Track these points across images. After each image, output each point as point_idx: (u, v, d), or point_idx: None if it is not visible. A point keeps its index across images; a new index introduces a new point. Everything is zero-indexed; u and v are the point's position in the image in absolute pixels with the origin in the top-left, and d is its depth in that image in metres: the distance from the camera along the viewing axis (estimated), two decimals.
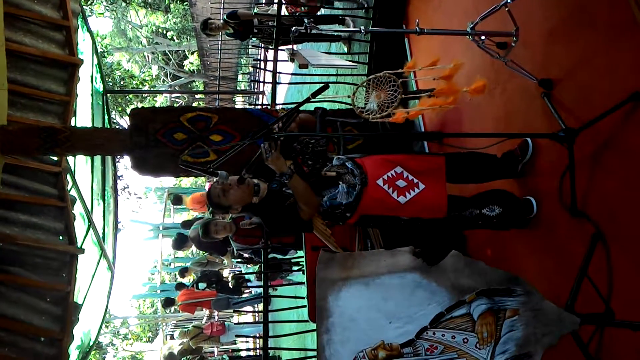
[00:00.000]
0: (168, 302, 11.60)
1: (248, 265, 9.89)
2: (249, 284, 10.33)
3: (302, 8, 6.07)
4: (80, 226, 5.07)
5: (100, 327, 6.29)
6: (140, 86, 20.56)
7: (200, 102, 17.70)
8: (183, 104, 19.60)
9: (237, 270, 11.66)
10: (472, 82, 3.63)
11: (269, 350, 4.56)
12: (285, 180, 2.61)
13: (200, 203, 10.36)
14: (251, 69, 14.26)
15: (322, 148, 2.83)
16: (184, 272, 11.43)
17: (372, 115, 2.86)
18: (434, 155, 3.07)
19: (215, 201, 2.73)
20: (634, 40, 2.31)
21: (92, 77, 6.15)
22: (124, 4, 20.81)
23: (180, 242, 8.84)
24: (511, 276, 2.09)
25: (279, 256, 6.59)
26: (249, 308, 12.61)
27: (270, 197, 2.78)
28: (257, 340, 12.35)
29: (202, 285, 9.52)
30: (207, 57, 15.90)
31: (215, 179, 2.72)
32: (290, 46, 5.29)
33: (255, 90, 13.34)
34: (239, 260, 7.82)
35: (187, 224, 9.64)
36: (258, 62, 9.56)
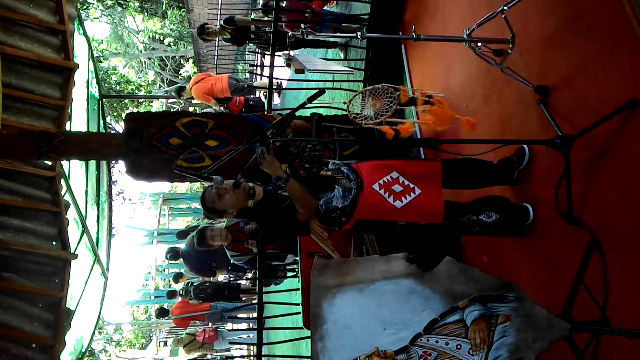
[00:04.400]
0: (162, 313, 11.55)
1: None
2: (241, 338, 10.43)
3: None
4: (74, 231, 5.05)
5: (93, 333, 6.25)
6: (136, 91, 20.53)
7: (196, 108, 17.69)
8: (179, 109, 19.58)
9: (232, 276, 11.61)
10: (467, 90, 3.65)
11: (263, 358, 4.53)
12: (282, 184, 2.61)
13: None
14: (248, 75, 14.28)
15: (319, 153, 2.83)
16: (178, 277, 11.38)
17: (364, 120, 2.86)
18: (431, 160, 3.07)
19: (210, 205, 2.72)
20: (630, 47, 2.32)
21: (87, 81, 6.14)
22: (120, 9, 20.82)
23: (173, 257, 8.86)
24: (504, 282, 2.09)
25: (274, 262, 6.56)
26: (242, 315, 12.56)
27: (265, 200, 2.77)
28: (251, 347, 12.30)
29: (195, 300, 9.52)
30: (204, 62, 15.93)
31: (210, 184, 2.70)
32: (286, 52, 5.30)
33: (251, 96, 13.35)
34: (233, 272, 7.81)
35: (182, 235, 9.63)
36: (255, 67, 9.57)
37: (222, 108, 8.90)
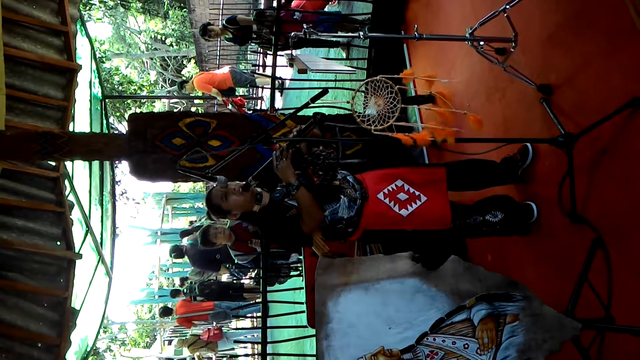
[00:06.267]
0: (166, 312, 11.55)
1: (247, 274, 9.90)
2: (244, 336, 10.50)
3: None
4: (78, 231, 5.06)
5: (98, 332, 6.27)
6: (139, 91, 20.55)
7: (199, 108, 17.72)
8: (182, 109, 19.60)
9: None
10: (470, 89, 3.65)
11: (267, 356, 4.53)
12: (293, 192, 2.58)
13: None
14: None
15: (333, 161, 2.81)
16: (183, 281, 11.40)
17: (373, 126, 2.85)
18: (435, 166, 3.07)
19: (216, 203, 2.67)
20: (632, 46, 2.32)
21: (90, 82, 6.16)
22: (122, 10, 20.84)
23: (177, 255, 8.86)
24: (510, 281, 2.08)
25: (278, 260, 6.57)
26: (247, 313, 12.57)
27: (271, 207, 2.73)
28: (256, 346, 12.31)
29: (200, 298, 9.52)
30: (206, 62, 15.92)
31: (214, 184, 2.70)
32: (289, 51, 5.29)
33: (254, 95, 13.36)
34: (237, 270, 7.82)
35: (185, 234, 9.66)
36: (257, 67, 9.57)
37: (224, 100, 8.91)
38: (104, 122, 6.89)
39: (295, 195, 2.59)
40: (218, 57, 12.97)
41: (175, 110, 18.43)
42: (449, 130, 2.75)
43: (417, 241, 2.84)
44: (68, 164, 4.92)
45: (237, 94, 9.83)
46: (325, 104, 4.35)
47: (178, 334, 14.09)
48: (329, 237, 2.74)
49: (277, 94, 8.37)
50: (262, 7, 9.94)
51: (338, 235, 2.71)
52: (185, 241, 9.28)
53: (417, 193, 2.68)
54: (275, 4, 5.76)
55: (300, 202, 2.61)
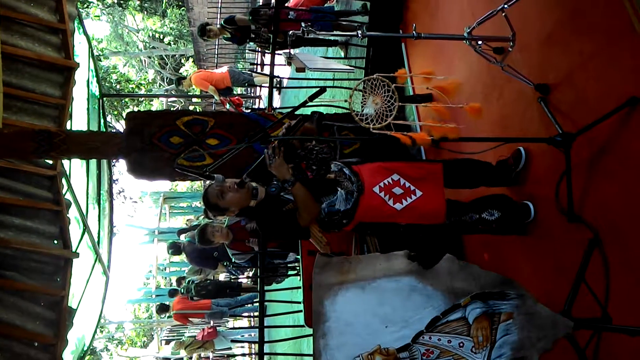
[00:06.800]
0: (162, 309, 11.54)
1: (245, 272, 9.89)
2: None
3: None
4: (75, 230, 5.05)
5: (95, 331, 6.26)
6: (137, 90, 20.52)
7: (197, 107, 17.68)
8: (179, 108, 19.57)
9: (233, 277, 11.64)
10: (467, 87, 3.65)
11: (265, 356, 4.53)
12: (288, 187, 2.61)
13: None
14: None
15: (326, 156, 2.82)
16: (181, 280, 11.38)
17: (371, 124, 2.85)
18: (431, 162, 3.07)
19: (213, 201, 2.71)
20: (630, 45, 2.32)
21: (88, 80, 6.15)
22: (120, 8, 20.80)
23: (175, 252, 8.84)
24: (504, 279, 2.09)
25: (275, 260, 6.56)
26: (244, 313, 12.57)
27: (267, 202, 2.76)
28: (253, 345, 12.31)
29: (197, 297, 9.51)
30: (204, 61, 15.92)
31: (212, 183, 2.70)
32: (287, 50, 5.29)
33: (252, 94, 13.36)
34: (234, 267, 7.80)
35: (182, 232, 9.63)
36: (255, 66, 9.56)
37: (222, 99, 8.98)
38: (102, 120, 6.89)
39: (291, 190, 2.61)
40: (216, 56, 12.96)
41: (173, 108, 18.39)
42: (447, 127, 2.75)
43: (411, 236, 2.85)
44: (65, 162, 4.92)
45: (234, 93, 9.82)
46: (323, 103, 4.34)
47: (175, 334, 14.08)
48: (325, 228, 2.78)
49: (275, 92, 8.37)
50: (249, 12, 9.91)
51: (333, 225, 2.74)
52: (182, 238, 9.28)
53: (412, 188, 2.69)
54: (273, 2, 5.73)
55: (296, 197, 2.64)
